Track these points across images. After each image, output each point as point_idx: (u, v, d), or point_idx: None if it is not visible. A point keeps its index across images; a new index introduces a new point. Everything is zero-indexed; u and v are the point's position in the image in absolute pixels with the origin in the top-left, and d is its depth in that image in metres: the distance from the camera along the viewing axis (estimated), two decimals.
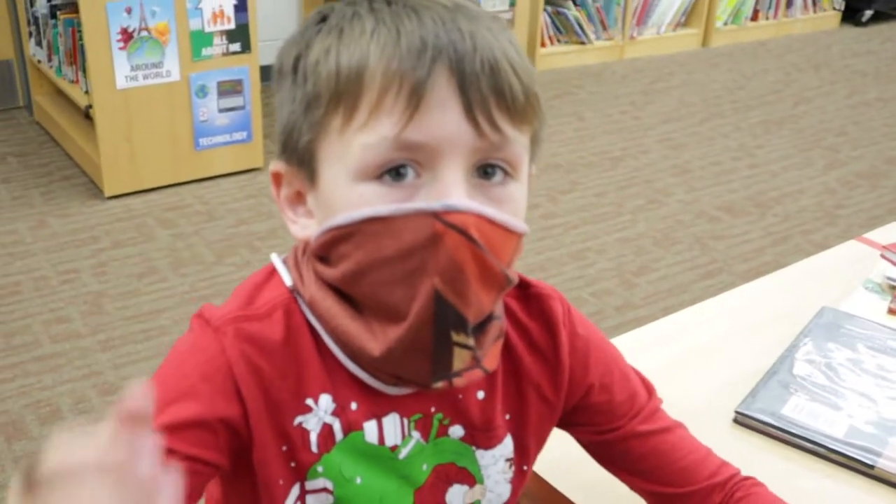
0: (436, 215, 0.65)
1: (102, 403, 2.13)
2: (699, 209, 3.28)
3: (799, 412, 1.07)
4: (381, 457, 0.76)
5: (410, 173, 0.67)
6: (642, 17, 5.13)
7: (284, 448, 0.74)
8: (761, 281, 1.42)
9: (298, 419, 0.74)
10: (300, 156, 0.71)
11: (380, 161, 0.66)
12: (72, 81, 3.35)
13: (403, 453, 0.77)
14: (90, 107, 3.11)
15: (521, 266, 2.77)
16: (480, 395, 0.80)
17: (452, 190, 0.66)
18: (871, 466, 1.00)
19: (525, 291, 0.83)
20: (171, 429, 0.67)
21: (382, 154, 0.66)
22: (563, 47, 4.88)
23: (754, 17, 5.62)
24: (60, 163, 3.40)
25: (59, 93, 3.61)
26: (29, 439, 2.01)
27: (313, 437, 0.74)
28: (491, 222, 0.66)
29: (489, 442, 0.81)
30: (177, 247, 2.85)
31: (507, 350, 0.80)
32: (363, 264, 0.68)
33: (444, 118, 0.65)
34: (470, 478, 0.81)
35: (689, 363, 1.18)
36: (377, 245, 0.66)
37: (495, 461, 0.82)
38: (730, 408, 1.08)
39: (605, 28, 4.99)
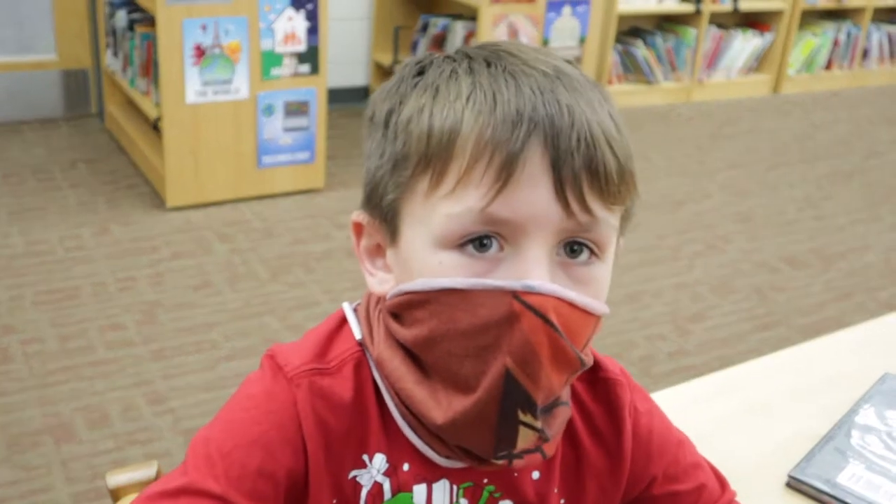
0: (514, 294, 0.63)
1: (151, 413, 2.15)
2: (760, 258, 3.22)
3: (856, 482, 1.03)
4: None
5: (494, 245, 0.65)
6: (713, 61, 5.09)
7: (335, 501, 0.73)
8: (822, 340, 1.38)
9: (353, 473, 0.73)
10: (383, 212, 0.70)
11: (463, 231, 0.65)
12: (143, 93, 3.42)
13: None
14: (159, 119, 3.17)
15: None
16: (535, 475, 0.77)
17: (534, 269, 0.64)
18: None
19: (594, 375, 0.80)
20: (236, 479, 0.68)
21: (466, 225, 0.64)
22: (630, 86, 4.86)
23: (828, 67, 5.54)
24: (126, 171, 3.47)
25: (131, 103, 3.69)
26: (77, 443, 2.04)
27: (363, 494, 0.73)
28: (571, 305, 0.64)
29: None
30: (233, 262, 2.88)
31: (570, 434, 0.78)
32: (436, 333, 0.66)
33: (533, 195, 0.63)
34: None
35: (743, 421, 1.15)
36: (452, 316, 0.65)
37: None
38: (783, 471, 1.05)
39: (673, 69, 4.96)
